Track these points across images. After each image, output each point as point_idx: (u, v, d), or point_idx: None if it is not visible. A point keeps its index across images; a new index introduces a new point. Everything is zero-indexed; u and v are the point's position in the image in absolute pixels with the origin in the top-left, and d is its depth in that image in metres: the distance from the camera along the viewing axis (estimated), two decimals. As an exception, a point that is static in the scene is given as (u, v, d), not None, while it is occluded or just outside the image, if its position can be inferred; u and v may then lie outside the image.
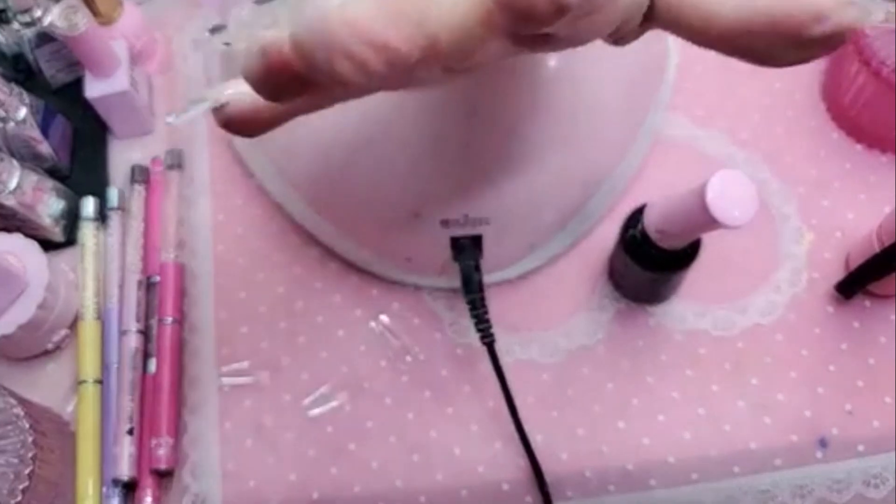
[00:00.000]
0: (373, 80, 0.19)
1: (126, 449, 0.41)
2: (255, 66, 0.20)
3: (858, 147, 0.47)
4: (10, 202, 0.43)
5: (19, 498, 0.35)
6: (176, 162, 0.48)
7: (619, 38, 0.27)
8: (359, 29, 0.18)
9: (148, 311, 0.45)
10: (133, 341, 0.43)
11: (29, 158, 0.46)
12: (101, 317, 0.45)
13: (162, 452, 0.41)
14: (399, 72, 0.19)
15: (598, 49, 0.28)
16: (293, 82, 0.20)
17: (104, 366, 0.43)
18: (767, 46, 0.23)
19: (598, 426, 0.42)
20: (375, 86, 0.20)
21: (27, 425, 0.37)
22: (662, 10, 0.25)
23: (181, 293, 0.45)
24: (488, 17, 0.21)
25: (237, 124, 0.23)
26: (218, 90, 0.23)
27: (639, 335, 0.43)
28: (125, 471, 0.40)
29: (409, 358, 0.43)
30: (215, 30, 0.23)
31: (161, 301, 0.44)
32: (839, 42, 0.22)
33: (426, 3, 0.20)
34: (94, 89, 0.46)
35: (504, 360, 0.41)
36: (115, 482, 0.41)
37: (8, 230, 0.44)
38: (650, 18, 0.26)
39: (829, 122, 0.48)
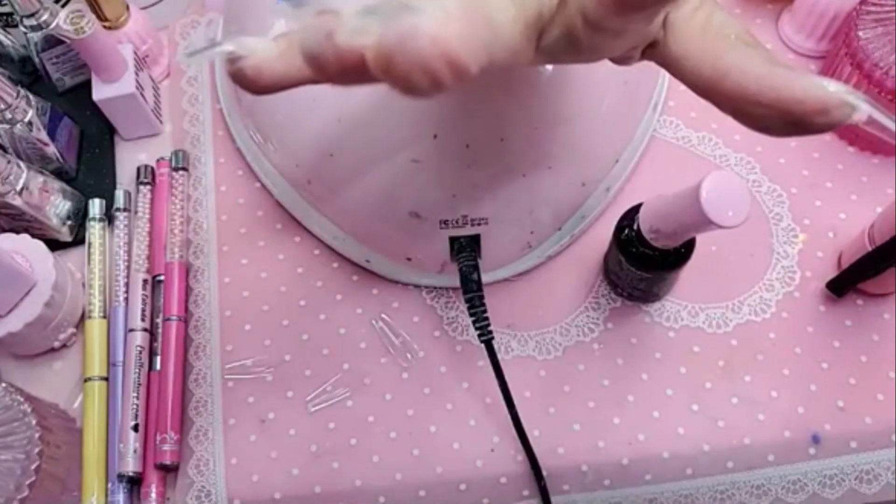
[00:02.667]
0: (434, 91, 0.20)
1: (131, 445, 0.41)
2: (323, 51, 0.21)
3: (851, 149, 0.48)
4: (17, 203, 0.43)
5: (26, 493, 0.36)
6: (181, 163, 0.48)
7: (625, 58, 0.27)
8: (445, 49, 0.19)
9: (153, 310, 0.45)
10: (139, 339, 0.44)
11: (36, 160, 0.47)
12: (108, 315, 0.45)
13: (167, 448, 0.41)
14: (456, 85, 0.20)
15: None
16: (352, 74, 0.21)
17: (110, 363, 0.44)
18: (767, 117, 0.23)
19: (594, 421, 0.42)
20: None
21: (34, 422, 0.37)
22: (674, 46, 0.25)
23: (186, 292, 0.46)
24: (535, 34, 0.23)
25: (247, 79, 0.23)
26: (236, 41, 0.23)
27: (634, 333, 0.44)
28: (130, 466, 0.41)
29: (409, 355, 0.44)
30: (198, 50, 0.24)
31: (166, 299, 0.45)
32: (827, 131, 0.23)
33: (492, 26, 0.21)
34: (100, 92, 0.46)
35: (502, 357, 0.41)
36: (121, 477, 0.41)
37: (15, 230, 0.44)
38: (655, 49, 0.26)
39: (821, 125, 0.49)
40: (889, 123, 0.22)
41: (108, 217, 0.48)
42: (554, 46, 0.25)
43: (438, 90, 0.20)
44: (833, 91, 0.22)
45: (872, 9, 0.44)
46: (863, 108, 0.22)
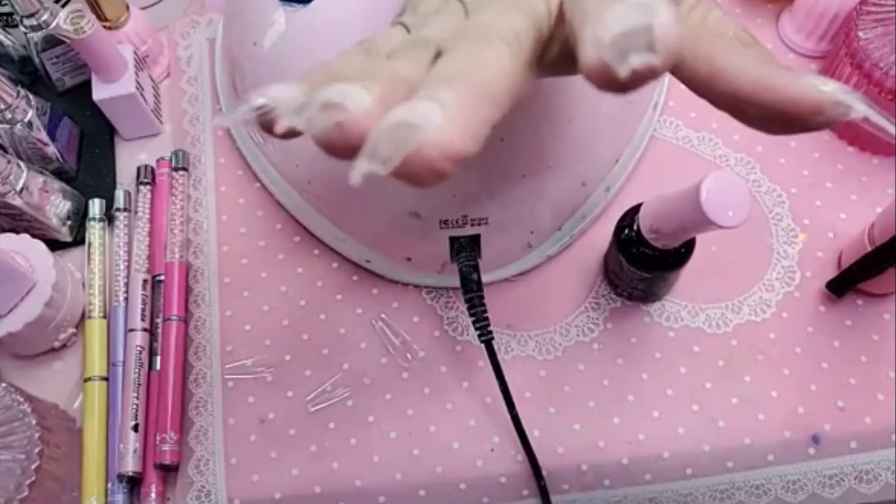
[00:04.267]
0: (438, 183, 0.21)
1: (131, 445, 0.41)
2: (333, 141, 0.22)
3: (851, 149, 0.48)
4: (17, 203, 0.43)
5: (26, 493, 0.36)
6: (181, 163, 0.48)
7: None
8: (448, 152, 0.20)
9: (153, 310, 0.45)
10: (139, 339, 0.44)
11: (36, 160, 0.47)
12: (108, 315, 0.45)
13: (167, 448, 0.41)
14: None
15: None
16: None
17: (110, 363, 0.44)
18: (761, 116, 0.23)
19: (593, 421, 0.42)
20: None
21: (34, 422, 0.37)
22: None
23: (186, 292, 0.46)
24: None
25: (280, 126, 0.24)
26: (265, 94, 0.24)
27: (634, 333, 0.44)
28: (130, 466, 0.41)
29: (409, 355, 0.44)
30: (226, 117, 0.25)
31: (166, 300, 0.45)
32: (824, 128, 0.23)
33: (491, 91, 0.22)
34: (100, 92, 0.46)
35: (502, 357, 0.41)
36: (121, 477, 0.41)
37: (16, 230, 0.44)
38: None
39: (821, 124, 0.49)
40: (884, 123, 0.22)
41: (108, 217, 0.48)
42: (555, 62, 0.25)
43: (443, 180, 0.21)
44: (828, 91, 0.22)
45: (872, 9, 0.44)
46: (858, 108, 0.22)
